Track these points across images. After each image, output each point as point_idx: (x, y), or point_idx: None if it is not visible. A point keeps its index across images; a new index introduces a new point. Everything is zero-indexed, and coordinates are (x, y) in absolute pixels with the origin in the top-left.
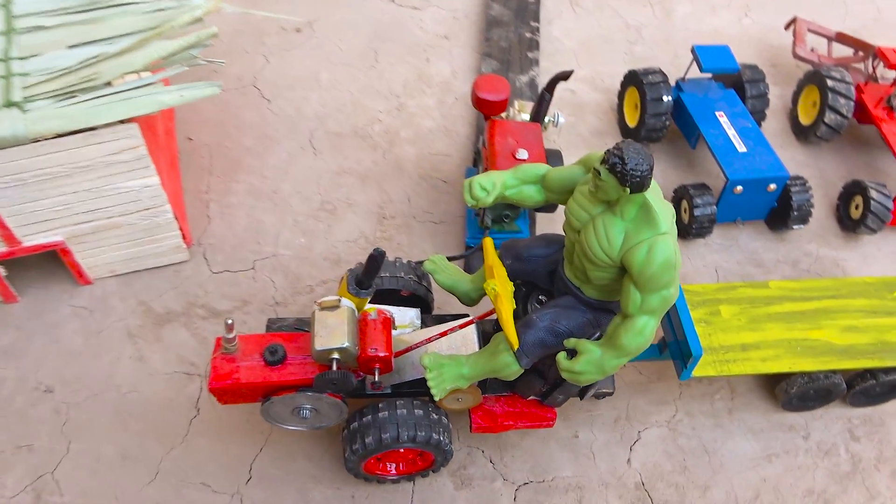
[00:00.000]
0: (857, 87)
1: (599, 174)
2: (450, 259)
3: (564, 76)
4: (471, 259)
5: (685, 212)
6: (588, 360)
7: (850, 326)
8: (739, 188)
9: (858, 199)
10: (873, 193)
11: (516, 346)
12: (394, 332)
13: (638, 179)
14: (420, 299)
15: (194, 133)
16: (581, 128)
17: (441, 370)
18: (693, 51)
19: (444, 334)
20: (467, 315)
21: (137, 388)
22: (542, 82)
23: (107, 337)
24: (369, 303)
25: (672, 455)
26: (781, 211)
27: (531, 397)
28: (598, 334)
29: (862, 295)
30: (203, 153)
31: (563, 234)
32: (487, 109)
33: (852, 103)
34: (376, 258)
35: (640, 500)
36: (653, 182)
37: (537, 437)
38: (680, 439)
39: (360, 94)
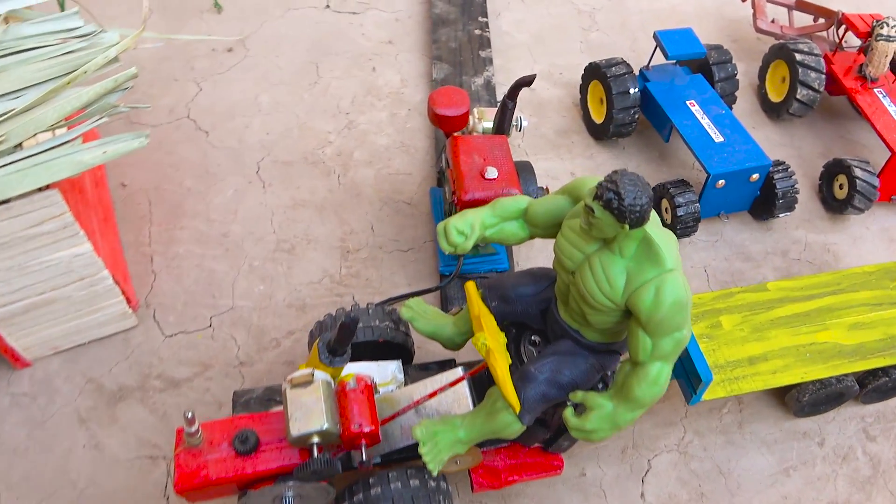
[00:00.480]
0: (826, 58)
1: (593, 211)
2: (424, 292)
3: (527, 82)
4: (447, 289)
5: (667, 211)
6: (600, 416)
7: (857, 323)
8: (722, 182)
9: (842, 179)
10: (858, 172)
11: (518, 409)
12: (376, 395)
13: (637, 215)
14: (399, 347)
15: (128, 177)
16: (545, 128)
17: (435, 439)
18: (656, 37)
19: (433, 395)
20: (453, 361)
21: (96, 480)
22: (499, 82)
23: (55, 425)
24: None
25: (686, 482)
26: (765, 199)
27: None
28: (601, 377)
29: (864, 287)
30: (140, 199)
31: (551, 268)
32: (447, 126)
33: (823, 76)
34: (349, 327)
35: None
36: (653, 213)
37: (542, 481)
38: (692, 463)
39: (306, 116)
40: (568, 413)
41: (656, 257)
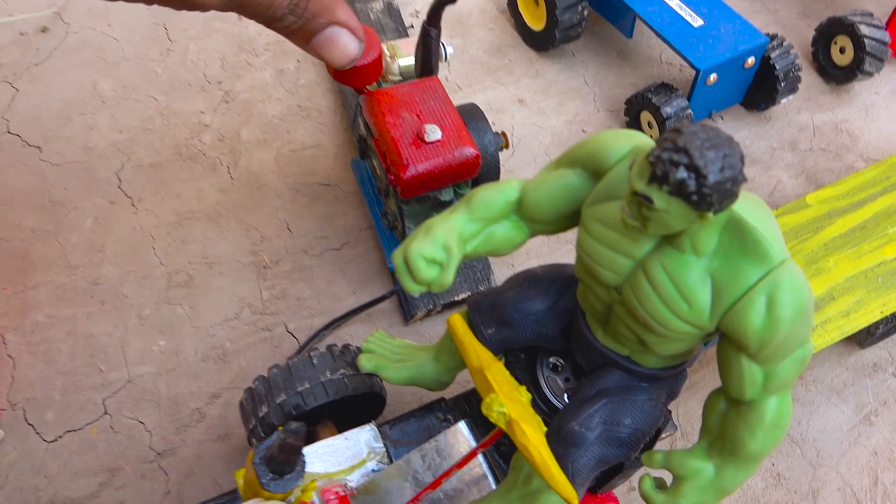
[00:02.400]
0: None
1: (651, 202)
2: (371, 304)
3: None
4: (404, 294)
5: (650, 126)
6: (698, 487)
7: None
8: (714, 77)
9: (843, 41)
10: (864, 30)
11: (575, 502)
12: (354, 481)
13: (730, 194)
14: (364, 398)
15: None
16: (473, 49)
17: None
18: None
19: (434, 486)
20: (441, 402)
21: None
22: (403, 1)
23: None
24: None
25: None
26: (761, 85)
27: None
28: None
29: None
30: None
31: (561, 265)
32: (356, 80)
33: None
34: (291, 445)
35: None
36: None
37: None
38: None
39: (166, 97)
40: (648, 488)
41: (756, 247)
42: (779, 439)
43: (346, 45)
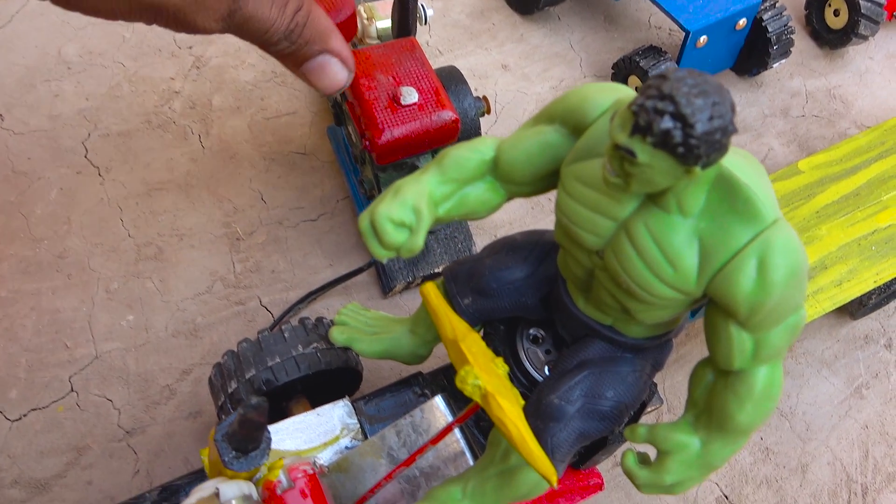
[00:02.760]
0: None
1: (634, 156)
2: (348, 277)
3: None
4: (382, 266)
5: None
6: (683, 462)
7: None
8: (704, 39)
9: (837, 3)
10: None
11: (554, 479)
12: (325, 458)
13: (719, 146)
14: (340, 372)
15: None
16: (454, 13)
17: None
18: None
19: (408, 462)
20: (419, 377)
21: None
22: None
23: None
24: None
25: None
26: (752, 48)
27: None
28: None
29: None
30: None
31: (541, 231)
32: None
33: None
34: (252, 421)
35: None
36: None
37: None
38: None
39: (135, 62)
40: (631, 463)
41: (747, 206)
42: (769, 412)
43: (335, 74)
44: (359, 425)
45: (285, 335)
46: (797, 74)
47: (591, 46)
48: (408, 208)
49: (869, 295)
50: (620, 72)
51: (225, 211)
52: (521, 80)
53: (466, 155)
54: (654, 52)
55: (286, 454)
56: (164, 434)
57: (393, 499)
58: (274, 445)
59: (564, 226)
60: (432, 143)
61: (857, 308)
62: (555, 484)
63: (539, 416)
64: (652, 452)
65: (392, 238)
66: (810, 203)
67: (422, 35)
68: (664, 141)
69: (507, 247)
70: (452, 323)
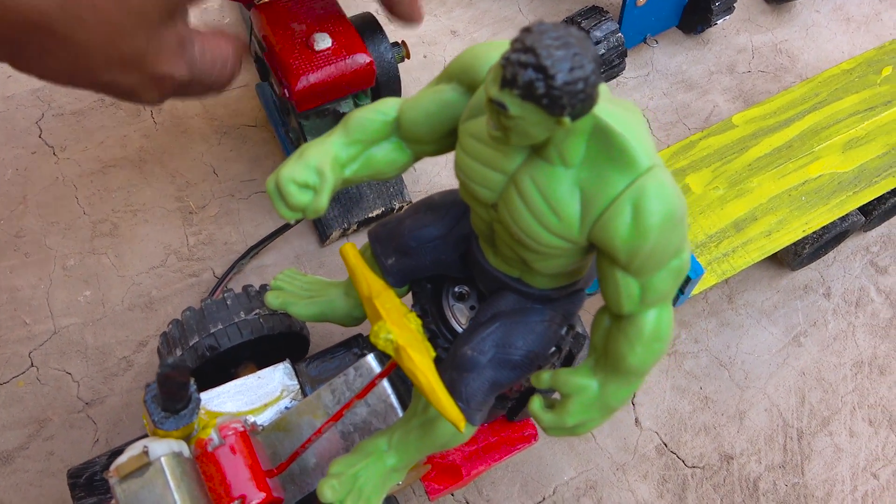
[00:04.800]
0: None
1: (506, 108)
2: (282, 230)
3: None
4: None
5: None
6: (583, 403)
7: (851, 140)
8: None
9: None
10: None
11: (462, 425)
12: (265, 419)
13: (584, 96)
14: (286, 337)
15: None
16: None
17: (357, 486)
18: None
19: (336, 418)
20: (359, 338)
21: None
22: None
23: None
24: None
25: (684, 389)
26: (696, 5)
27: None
28: (567, 330)
29: (847, 90)
30: None
31: (457, 191)
32: None
33: None
34: (170, 378)
35: (671, 467)
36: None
37: None
38: (686, 363)
39: None
40: (536, 407)
41: (622, 154)
42: (660, 353)
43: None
44: (298, 386)
45: (227, 302)
46: (744, 30)
47: (539, 9)
48: (311, 170)
49: (802, 245)
50: None
51: (178, 185)
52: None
53: (370, 116)
54: (596, 12)
55: (226, 416)
56: (122, 404)
57: (330, 455)
58: (216, 408)
59: (462, 181)
60: (350, 86)
61: (792, 258)
62: (461, 429)
63: (454, 367)
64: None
65: (296, 199)
66: (743, 156)
67: (371, 5)
68: (529, 92)
69: (426, 206)
70: (368, 281)
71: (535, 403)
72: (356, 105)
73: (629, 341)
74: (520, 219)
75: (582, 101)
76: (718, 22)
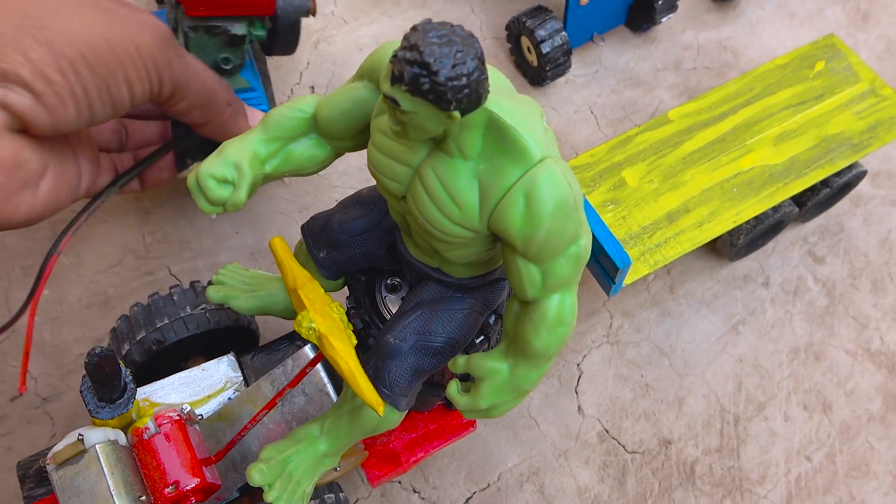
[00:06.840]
0: None
1: (398, 104)
2: (154, 156)
3: None
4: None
5: (530, 52)
6: (494, 386)
7: (783, 133)
8: None
9: None
10: None
11: (381, 409)
12: (209, 410)
13: (467, 91)
14: (234, 331)
15: None
16: None
17: (287, 471)
18: None
19: (270, 406)
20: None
21: None
22: None
23: None
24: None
25: (626, 377)
26: (641, 4)
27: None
28: (490, 314)
29: (780, 85)
30: None
31: None
32: None
33: None
34: (98, 367)
35: (612, 453)
36: (492, 71)
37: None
38: (628, 352)
39: None
40: (453, 391)
41: (515, 146)
42: (564, 336)
43: None
44: (242, 378)
45: (174, 297)
46: (690, 28)
47: (490, 9)
48: (229, 165)
49: (737, 235)
50: (513, 33)
51: None
52: None
53: (288, 114)
54: (541, 11)
55: (163, 405)
56: (78, 400)
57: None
58: (159, 399)
59: (374, 175)
60: (243, 5)
61: (729, 249)
62: (380, 412)
63: (379, 354)
64: None
65: (215, 194)
66: (677, 150)
67: (327, 5)
68: (415, 88)
69: (355, 201)
70: (294, 272)
71: (452, 387)
72: (251, 34)
73: (534, 326)
74: (424, 210)
75: (468, 97)
76: (663, 20)
